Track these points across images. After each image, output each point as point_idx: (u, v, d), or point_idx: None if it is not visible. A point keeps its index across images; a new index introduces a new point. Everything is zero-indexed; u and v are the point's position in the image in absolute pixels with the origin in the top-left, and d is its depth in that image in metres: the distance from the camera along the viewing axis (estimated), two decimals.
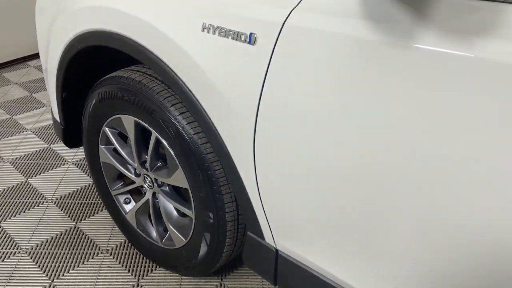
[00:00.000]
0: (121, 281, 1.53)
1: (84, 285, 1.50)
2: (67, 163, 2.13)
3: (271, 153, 1.00)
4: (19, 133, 2.39)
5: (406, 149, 0.78)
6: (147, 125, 1.30)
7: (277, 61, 0.91)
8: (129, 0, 1.18)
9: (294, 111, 0.92)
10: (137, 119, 1.32)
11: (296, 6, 0.89)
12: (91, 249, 1.65)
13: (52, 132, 2.36)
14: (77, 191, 1.94)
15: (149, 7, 1.14)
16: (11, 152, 2.22)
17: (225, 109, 1.04)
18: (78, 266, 1.58)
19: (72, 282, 1.51)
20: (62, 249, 1.64)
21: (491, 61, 0.67)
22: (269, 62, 0.92)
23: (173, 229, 1.43)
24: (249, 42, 0.95)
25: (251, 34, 0.94)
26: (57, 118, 1.68)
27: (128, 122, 1.36)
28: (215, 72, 1.02)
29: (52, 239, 1.69)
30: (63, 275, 1.54)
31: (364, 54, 0.80)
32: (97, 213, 1.82)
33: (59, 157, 2.18)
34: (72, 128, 1.66)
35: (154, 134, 1.29)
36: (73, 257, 1.61)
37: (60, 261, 1.59)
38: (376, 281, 0.97)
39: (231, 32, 0.97)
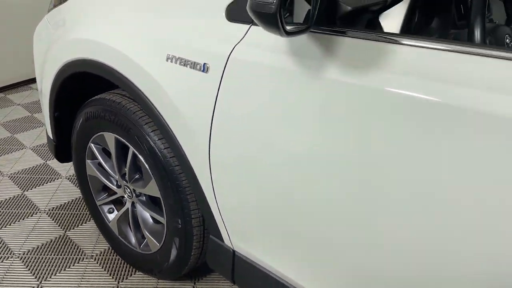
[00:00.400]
0: (103, 284, 1.68)
1: (69, 286, 1.66)
2: (60, 178, 2.30)
3: (223, 165, 1.17)
4: (18, 150, 2.57)
5: (330, 155, 0.94)
6: (125, 141, 1.48)
7: (225, 86, 1.09)
8: (108, 34, 1.37)
9: (239, 128, 1.09)
10: (117, 136, 1.50)
11: (239, 42, 1.07)
12: (78, 255, 1.81)
13: (48, 150, 2.54)
14: (68, 203, 2.11)
15: (125, 40, 1.33)
16: (11, 167, 2.40)
17: (185, 127, 1.21)
18: (64, 269, 1.73)
19: (58, 284, 1.67)
20: (51, 255, 1.80)
21: (377, 89, 0.85)
22: (219, 88, 1.10)
23: (149, 235, 1.59)
24: (203, 71, 1.13)
25: (204, 64, 1.12)
26: (50, 136, 1.86)
27: (110, 138, 1.54)
28: (177, 96, 1.20)
29: (42, 245, 1.85)
30: (50, 277, 1.69)
31: (287, 81, 0.98)
32: (85, 223, 1.99)
33: (53, 172, 2.35)
34: (63, 145, 1.84)
35: (131, 149, 1.47)
36: (61, 262, 1.77)
37: (49, 265, 1.75)
38: (323, 281, 1.11)
39: (189, 62, 1.15)
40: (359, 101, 0.88)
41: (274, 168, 1.06)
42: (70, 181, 2.27)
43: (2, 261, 1.76)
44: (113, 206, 1.77)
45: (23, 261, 1.76)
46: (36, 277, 1.69)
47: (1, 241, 1.86)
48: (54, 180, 2.28)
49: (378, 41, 0.88)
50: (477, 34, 1.03)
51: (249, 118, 1.07)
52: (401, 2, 1.13)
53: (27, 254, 1.80)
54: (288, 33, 0.80)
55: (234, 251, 1.31)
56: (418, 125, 0.81)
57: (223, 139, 1.13)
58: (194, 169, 1.26)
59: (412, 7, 1.13)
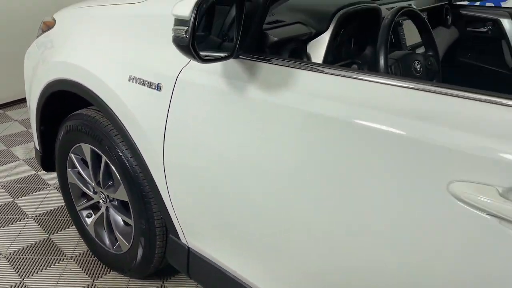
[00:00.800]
0: (79, 281, 1.85)
1: (48, 282, 1.83)
2: (49, 187, 2.49)
3: (174, 171, 1.35)
4: (12, 162, 2.77)
5: (255, 159, 1.12)
6: (99, 151, 1.67)
7: (174, 103, 1.28)
8: (84, 58, 1.58)
9: (186, 139, 1.28)
10: (92, 147, 1.69)
11: (185, 65, 1.27)
12: (58, 256, 1.98)
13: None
14: (54, 209, 2.30)
15: (97, 64, 1.53)
16: (4, 177, 2.59)
17: (145, 138, 1.40)
18: (45, 268, 1.91)
19: (39, 280, 1.84)
20: (34, 255, 1.98)
21: (290, 107, 1.04)
22: (169, 104, 1.30)
23: (120, 237, 1.77)
24: (157, 89, 1.32)
25: (158, 83, 1.32)
26: (37, 147, 2.06)
27: (86, 149, 1.73)
28: (137, 110, 1.40)
29: (27, 247, 2.03)
30: (32, 275, 1.87)
31: (221, 100, 1.17)
32: (68, 228, 2.16)
33: (43, 182, 2.54)
34: (48, 155, 2.04)
35: (104, 158, 1.66)
36: (43, 262, 1.94)
37: (32, 265, 1.92)
38: (268, 278, 1.27)
39: (146, 82, 1.35)
40: (276, 117, 1.07)
41: (214, 173, 1.24)
42: (57, 190, 2.46)
43: None
44: (91, 211, 1.96)
45: (8, 261, 1.94)
46: (19, 274, 1.87)
47: None
48: (43, 189, 2.47)
49: (296, 68, 1.06)
50: (381, 61, 1.22)
51: (193, 130, 1.26)
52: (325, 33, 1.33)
53: (12, 254, 1.98)
54: (204, 60, 1.00)
55: (189, 248, 1.49)
56: (319, 137, 0.99)
57: (174, 149, 1.32)
58: (153, 175, 1.44)
59: (334, 37, 1.32)
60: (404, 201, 0.88)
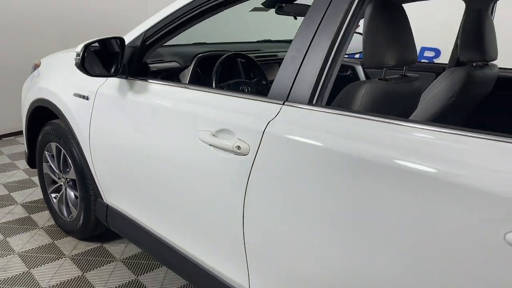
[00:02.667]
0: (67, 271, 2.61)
1: (43, 272, 2.60)
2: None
3: (96, 153, 2.15)
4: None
5: (145, 144, 1.91)
6: (61, 147, 2.49)
7: (95, 108, 2.11)
8: (53, 84, 2.44)
9: (101, 131, 2.09)
10: (57, 144, 2.52)
11: (102, 84, 2.10)
12: (54, 254, 2.77)
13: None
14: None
15: (59, 87, 2.39)
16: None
17: (80, 133, 2.22)
18: (43, 265, 2.68)
19: (40, 270, 2.61)
20: (37, 253, 2.77)
21: (163, 107, 1.85)
22: (92, 109, 2.12)
23: (72, 207, 2.56)
24: (87, 99, 2.16)
25: (87, 96, 2.15)
26: (26, 150, 2.91)
27: (53, 146, 2.57)
28: (77, 115, 2.22)
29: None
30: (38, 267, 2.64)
31: (119, 105, 1.99)
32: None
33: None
34: (33, 156, 2.88)
35: (63, 151, 2.48)
36: (40, 258, 2.72)
37: (35, 259, 2.70)
38: (166, 225, 1.99)
39: (81, 95, 2.19)
40: (144, 110, 1.86)
41: (119, 151, 2.03)
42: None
43: (3, 257, 2.73)
44: (57, 194, 2.75)
45: (21, 258, 2.73)
46: (27, 266, 2.64)
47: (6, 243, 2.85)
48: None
49: (165, 85, 1.86)
50: (213, 83, 2.04)
51: (104, 122, 2.07)
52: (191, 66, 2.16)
53: (26, 252, 2.77)
54: (91, 75, 1.83)
55: (107, 205, 2.26)
56: (166, 120, 1.79)
57: (95, 137, 2.13)
58: (86, 157, 2.25)
59: (196, 67, 2.15)
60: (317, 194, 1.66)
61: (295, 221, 1.32)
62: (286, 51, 1.44)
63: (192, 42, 2.61)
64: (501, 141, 0.99)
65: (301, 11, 2.16)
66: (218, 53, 2.27)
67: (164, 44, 2.05)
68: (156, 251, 2.00)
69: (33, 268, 2.37)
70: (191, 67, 2.12)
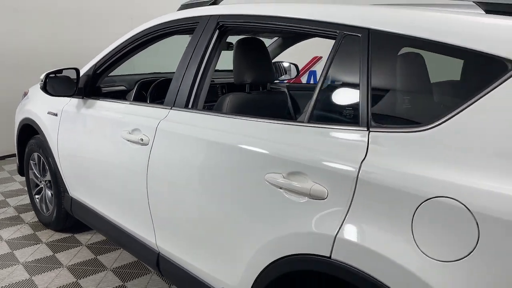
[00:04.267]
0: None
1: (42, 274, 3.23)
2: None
3: (62, 157, 2.81)
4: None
5: (97, 151, 2.57)
6: (41, 156, 3.16)
7: (61, 124, 2.77)
8: (35, 106, 3.13)
9: (66, 142, 2.75)
10: (39, 154, 3.19)
11: (67, 102, 2.78)
12: (34, 241, 3.40)
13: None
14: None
15: (38, 108, 3.07)
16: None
17: (52, 143, 2.88)
18: (24, 248, 3.32)
19: (21, 252, 3.24)
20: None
21: (105, 117, 2.52)
22: (59, 125, 2.79)
23: (48, 203, 3.20)
24: (56, 116, 2.83)
25: (56, 113, 2.82)
26: (17, 161, 3.59)
27: (36, 156, 3.24)
28: (49, 130, 2.89)
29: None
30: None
31: (79, 119, 2.66)
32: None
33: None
34: (22, 165, 3.54)
35: (42, 159, 3.15)
36: (23, 244, 3.36)
37: (19, 244, 3.34)
38: (113, 209, 2.63)
39: (52, 113, 2.86)
40: (95, 123, 2.52)
41: (78, 156, 2.68)
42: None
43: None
44: (39, 195, 3.40)
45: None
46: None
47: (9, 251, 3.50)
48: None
49: (112, 102, 2.53)
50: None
51: (68, 134, 2.73)
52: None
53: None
54: (52, 95, 2.50)
55: (71, 198, 2.89)
56: (109, 127, 2.44)
57: (61, 145, 2.79)
58: (56, 162, 2.90)
59: (139, 89, 2.82)
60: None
61: (178, 191, 1.93)
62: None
63: (141, 72, 3.31)
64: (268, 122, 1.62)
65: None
66: (154, 79, 2.95)
67: (117, 74, 2.74)
68: (106, 231, 2.61)
69: (15, 250, 2.99)
70: (134, 89, 2.79)
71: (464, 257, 1.09)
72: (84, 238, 3.19)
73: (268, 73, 2.21)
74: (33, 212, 3.57)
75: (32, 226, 3.38)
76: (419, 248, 1.16)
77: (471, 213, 1.08)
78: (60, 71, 2.53)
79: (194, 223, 1.89)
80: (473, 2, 1.32)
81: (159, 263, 2.15)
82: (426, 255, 1.15)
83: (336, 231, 1.33)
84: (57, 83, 2.53)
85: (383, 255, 1.22)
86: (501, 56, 1.17)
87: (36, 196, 3.42)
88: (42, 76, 2.49)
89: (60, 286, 2.57)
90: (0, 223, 3.44)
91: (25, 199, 3.87)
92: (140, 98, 2.87)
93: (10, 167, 4.89)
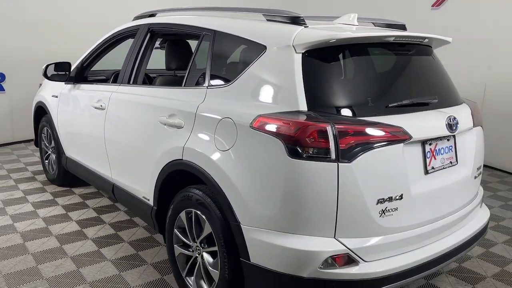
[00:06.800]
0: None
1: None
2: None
3: (60, 126, 3.94)
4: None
5: (89, 127, 3.68)
6: (49, 129, 4.30)
7: (60, 103, 3.90)
8: (45, 93, 4.28)
9: (63, 115, 3.87)
10: (47, 128, 4.33)
11: (64, 87, 3.90)
12: (53, 204, 4.55)
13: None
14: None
15: (47, 94, 4.22)
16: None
17: (54, 117, 4.02)
18: (44, 208, 4.47)
19: (43, 211, 4.39)
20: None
21: (82, 94, 3.64)
22: (58, 104, 3.92)
23: (53, 165, 4.34)
24: (57, 97, 3.96)
25: (56, 95, 3.96)
26: (34, 136, 4.75)
27: (45, 130, 4.39)
28: (53, 108, 4.03)
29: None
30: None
31: (66, 97, 3.79)
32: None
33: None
34: (37, 138, 4.70)
35: (49, 131, 4.28)
36: (42, 204, 4.51)
37: (35, 197, 4.49)
38: (89, 160, 3.71)
39: (55, 95, 4.00)
40: (79, 99, 3.63)
41: (70, 123, 3.79)
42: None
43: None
44: (47, 160, 4.53)
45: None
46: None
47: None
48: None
49: (89, 84, 3.64)
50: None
51: (63, 109, 3.85)
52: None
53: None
54: (49, 79, 3.63)
55: (67, 157, 4.00)
56: (90, 102, 3.55)
57: (59, 119, 3.92)
58: (56, 130, 4.03)
59: (114, 79, 3.92)
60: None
61: (119, 137, 3.00)
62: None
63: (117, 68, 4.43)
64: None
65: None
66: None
67: (102, 69, 3.86)
68: (85, 175, 3.71)
69: (28, 195, 4.13)
70: (111, 79, 3.88)
71: (230, 147, 2.09)
72: (77, 190, 4.29)
73: (181, 62, 3.18)
74: (44, 174, 4.71)
75: (42, 182, 4.51)
76: (215, 146, 2.16)
77: (235, 124, 2.08)
78: (57, 63, 3.65)
79: (127, 156, 2.94)
80: (262, 14, 2.33)
81: (113, 190, 3.21)
82: (217, 148, 2.15)
83: (184, 144, 2.34)
84: (56, 71, 3.65)
85: (202, 152, 2.23)
86: (262, 43, 2.17)
87: (46, 161, 4.56)
88: (44, 66, 3.62)
89: (55, 215, 3.67)
90: (20, 180, 4.59)
91: (40, 167, 5.03)
92: None
93: (32, 147, 6.09)
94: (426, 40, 2.34)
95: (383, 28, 2.74)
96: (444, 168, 2.18)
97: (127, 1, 6.78)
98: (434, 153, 2.14)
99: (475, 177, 2.42)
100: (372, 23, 2.83)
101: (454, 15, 5.75)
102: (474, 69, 5.58)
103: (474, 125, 2.41)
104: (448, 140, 2.22)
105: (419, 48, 2.42)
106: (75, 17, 6.41)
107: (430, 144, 2.11)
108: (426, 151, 2.10)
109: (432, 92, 2.31)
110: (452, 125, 2.15)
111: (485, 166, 5.66)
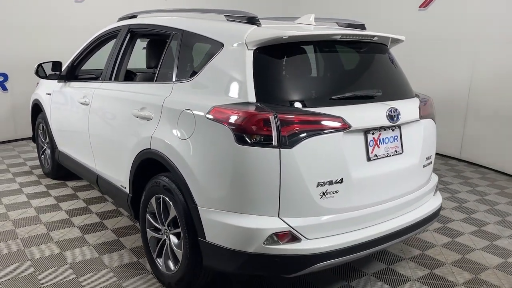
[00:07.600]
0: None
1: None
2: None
3: (52, 121, 4.18)
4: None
5: (81, 122, 3.91)
6: (44, 125, 4.55)
7: (52, 100, 4.14)
8: (40, 91, 4.54)
9: (55, 112, 4.11)
10: (42, 124, 4.59)
11: (57, 86, 4.15)
12: (47, 195, 4.81)
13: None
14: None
15: (42, 91, 4.47)
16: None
17: (47, 112, 4.26)
18: (37, 198, 4.73)
19: (37, 201, 4.64)
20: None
21: (72, 91, 3.87)
22: (51, 100, 4.16)
23: (48, 159, 4.59)
24: (50, 95, 4.20)
25: (50, 93, 4.20)
26: (32, 132, 5.00)
27: (41, 126, 4.64)
28: (46, 103, 4.28)
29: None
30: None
31: (58, 95, 4.03)
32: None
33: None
34: (34, 135, 4.96)
35: (44, 127, 4.53)
36: (36, 196, 4.76)
37: (30, 187, 4.75)
38: (79, 153, 3.95)
39: (48, 93, 4.25)
40: (69, 96, 3.86)
41: (61, 118, 4.04)
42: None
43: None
44: (43, 155, 4.79)
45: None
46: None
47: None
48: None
49: (78, 82, 3.88)
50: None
51: (56, 106, 4.09)
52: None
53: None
54: (41, 77, 3.86)
55: (59, 151, 4.24)
56: (79, 100, 3.78)
57: (52, 113, 4.16)
58: (49, 124, 4.27)
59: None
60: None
61: (100, 130, 3.22)
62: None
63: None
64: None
65: None
66: None
67: (92, 69, 4.09)
68: (74, 167, 3.94)
69: (24, 187, 4.37)
70: (100, 77, 4.11)
71: (189, 137, 2.29)
72: (71, 183, 4.53)
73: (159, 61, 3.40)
74: (40, 169, 4.96)
75: (38, 176, 4.76)
76: (177, 135, 2.37)
77: (194, 115, 2.28)
78: (48, 62, 3.90)
79: (107, 148, 3.17)
80: (223, 15, 2.53)
81: (98, 180, 3.44)
82: (178, 137, 2.35)
83: (152, 134, 2.55)
84: (48, 70, 3.90)
85: (166, 141, 2.43)
86: (220, 41, 2.37)
87: (42, 156, 4.81)
88: (36, 65, 3.86)
89: (46, 205, 3.91)
90: (18, 173, 4.85)
91: (38, 162, 5.28)
92: None
93: (33, 144, 6.35)
94: (376, 38, 2.51)
95: (345, 27, 2.92)
96: (388, 156, 2.36)
97: (126, 5, 7.04)
98: (378, 142, 2.31)
99: (424, 166, 2.59)
100: (336, 23, 3.02)
101: (441, 15, 5.89)
102: (459, 68, 5.71)
103: (422, 118, 2.57)
104: (392, 130, 2.39)
105: (372, 46, 2.60)
106: (75, 20, 6.68)
107: (373, 134, 2.29)
108: (369, 140, 2.27)
109: (378, 86, 2.49)
110: (393, 116, 2.32)
111: (467, 162, 5.81)
